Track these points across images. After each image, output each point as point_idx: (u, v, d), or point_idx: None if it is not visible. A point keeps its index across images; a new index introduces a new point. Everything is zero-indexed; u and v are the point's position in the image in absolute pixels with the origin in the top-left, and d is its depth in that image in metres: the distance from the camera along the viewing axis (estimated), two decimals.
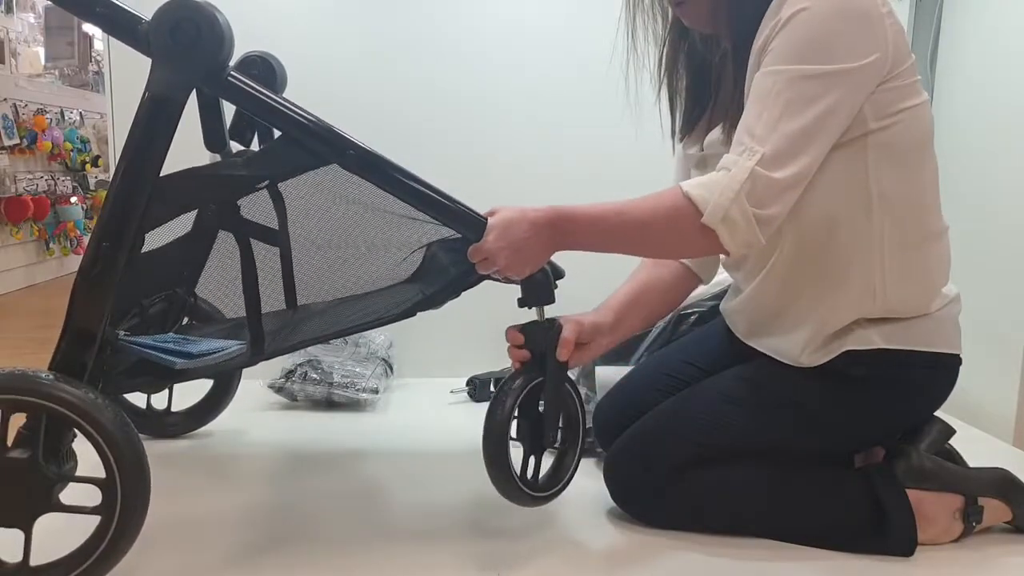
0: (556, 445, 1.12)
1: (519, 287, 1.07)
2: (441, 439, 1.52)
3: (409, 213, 1.05)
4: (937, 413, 1.17)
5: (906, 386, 1.09)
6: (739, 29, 1.03)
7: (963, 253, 1.72)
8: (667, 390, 1.24)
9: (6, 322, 3.24)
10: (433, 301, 1.10)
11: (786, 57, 0.95)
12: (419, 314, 1.14)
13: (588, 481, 1.30)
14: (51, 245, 4.25)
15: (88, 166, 4.44)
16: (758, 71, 0.98)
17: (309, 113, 0.98)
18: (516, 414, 1.06)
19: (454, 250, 1.11)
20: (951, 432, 1.15)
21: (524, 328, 1.09)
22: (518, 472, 1.07)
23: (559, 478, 1.12)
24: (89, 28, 4.10)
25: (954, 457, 1.17)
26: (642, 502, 1.16)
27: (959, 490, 1.11)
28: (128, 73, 1.76)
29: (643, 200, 1.00)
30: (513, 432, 1.07)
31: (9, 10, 3.97)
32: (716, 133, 1.12)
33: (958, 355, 1.11)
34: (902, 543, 1.08)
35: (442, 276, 1.13)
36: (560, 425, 1.12)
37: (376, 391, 1.73)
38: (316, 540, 1.11)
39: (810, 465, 1.13)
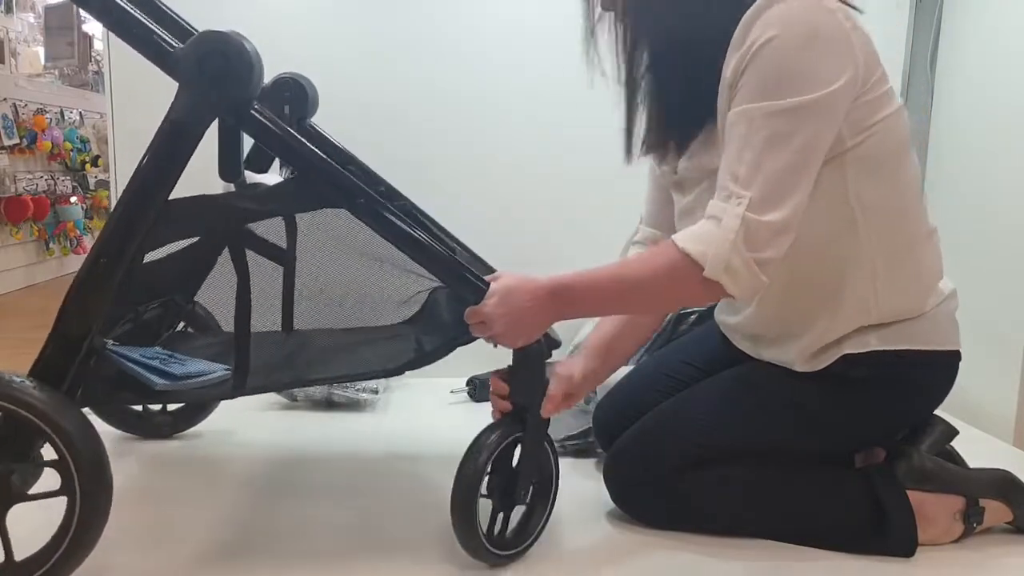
0: (526, 502, 1.08)
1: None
2: (441, 439, 1.52)
3: (412, 267, 1.04)
4: (936, 413, 1.17)
5: (905, 385, 1.09)
6: (653, 36, 1.02)
7: (963, 253, 1.72)
8: (667, 390, 1.24)
9: (6, 322, 3.24)
10: (424, 359, 1.08)
11: (759, 93, 0.93)
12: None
13: (588, 481, 1.30)
14: (51, 245, 4.24)
15: (88, 166, 4.43)
16: (731, 107, 0.96)
17: (325, 157, 0.98)
18: (489, 470, 1.01)
19: (455, 299, 1.10)
20: (954, 433, 1.15)
21: (510, 379, 1.05)
22: (485, 527, 1.02)
23: (525, 536, 1.07)
24: (89, 28, 4.10)
25: (954, 458, 1.17)
26: (642, 502, 1.16)
27: (960, 491, 1.11)
28: (128, 73, 1.75)
29: (639, 260, 1.02)
30: (483, 487, 1.02)
31: (9, 10, 3.97)
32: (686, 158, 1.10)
33: (957, 351, 1.10)
34: (902, 544, 1.08)
35: (439, 332, 1.13)
36: (532, 481, 1.07)
37: (376, 391, 1.73)
38: (315, 540, 1.11)
39: (810, 466, 1.13)
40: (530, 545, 1.08)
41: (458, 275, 1.00)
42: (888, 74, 1.02)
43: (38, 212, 4.00)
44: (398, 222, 0.98)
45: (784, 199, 0.93)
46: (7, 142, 3.74)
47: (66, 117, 4.27)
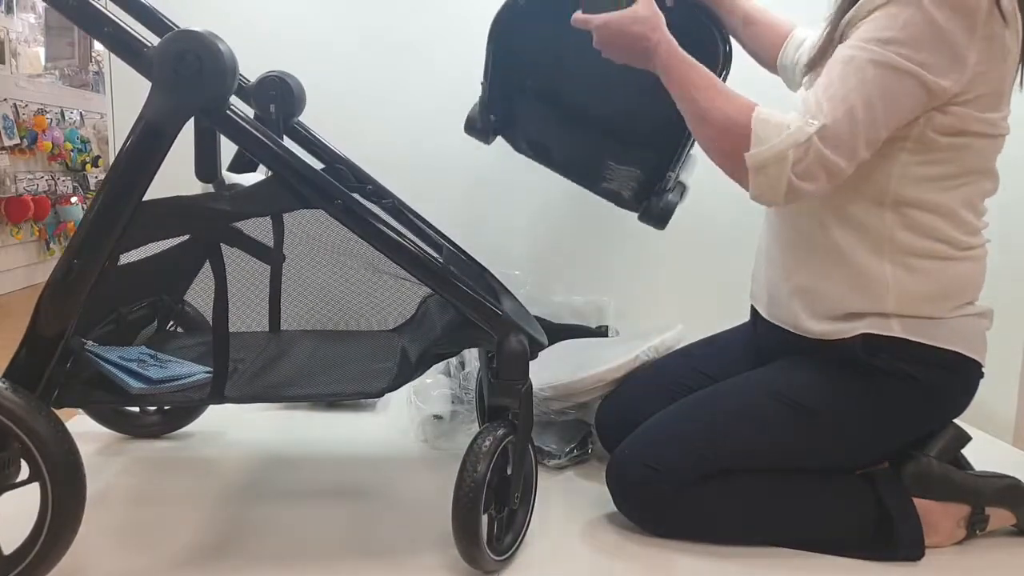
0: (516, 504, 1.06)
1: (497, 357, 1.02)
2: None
3: (394, 269, 1.04)
4: None
5: (924, 386, 1.06)
6: None
7: None
8: (671, 394, 1.23)
9: (6, 322, 3.24)
10: (403, 378, 1.08)
11: (881, 36, 0.93)
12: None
13: (589, 483, 1.30)
14: (51, 245, 4.25)
15: (88, 166, 4.43)
16: (854, 32, 0.97)
17: (300, 158, 0.97)
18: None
19: (447, 310, 1.10)
20: (966, 439, 1.13)
21: (496, 383, 1.03)
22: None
23: (513, 539, 1.07)
24: None
25: (960, 462, 1.15)
26: (643, 506, 1.15)
27: (966, 500, 1.10)
28: (128, 73, 1.71)
29: (724, 92, 1.01)
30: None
31: (9, 10, 3.97)
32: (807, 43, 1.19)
33: (979, 363, 1.09)
34: (908, 551, 1.07)
35: (425, 342, 1.13)
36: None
37: None
38: (315, 539, 1.11)
39: (815, 472, 1.12)
40: (519, 546, 1.07)
41: (439, 277, 1.00)
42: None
43: (39, 212, 4.00)
44: (377, 224, 0.97)
45: (850, 147, 0.95)
46: (8, 142, 3.75)
47: (66, 117, 4.27)
